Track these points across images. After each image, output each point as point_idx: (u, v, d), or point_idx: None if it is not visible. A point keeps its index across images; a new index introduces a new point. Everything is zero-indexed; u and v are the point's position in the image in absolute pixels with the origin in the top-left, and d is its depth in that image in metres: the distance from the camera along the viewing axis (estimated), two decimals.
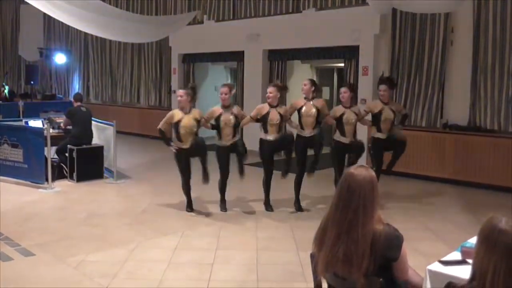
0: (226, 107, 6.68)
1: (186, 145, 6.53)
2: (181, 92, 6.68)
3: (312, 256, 2.74)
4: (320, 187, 8.03)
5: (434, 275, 2.72)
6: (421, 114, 9.40)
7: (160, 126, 6.67)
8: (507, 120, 8.39)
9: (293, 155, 6.94)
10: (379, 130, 7.11)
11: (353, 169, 2.56)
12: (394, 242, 2.51)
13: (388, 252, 2.49)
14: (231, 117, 6.65)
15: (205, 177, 6.67)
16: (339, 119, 6.90)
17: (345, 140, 6.91)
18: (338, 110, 7.02)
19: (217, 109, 6.70)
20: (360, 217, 2.45)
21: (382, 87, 7.13)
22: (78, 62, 17.34)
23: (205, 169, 6.65)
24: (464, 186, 8.47)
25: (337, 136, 6.97)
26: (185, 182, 6.76)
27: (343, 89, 7.02)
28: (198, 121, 6.62)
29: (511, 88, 8.32)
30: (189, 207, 6.88)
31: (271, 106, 6.75)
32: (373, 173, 2.56)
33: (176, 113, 6.61)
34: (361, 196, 2.46)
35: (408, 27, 9.48)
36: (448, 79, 9.15)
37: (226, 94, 6.62)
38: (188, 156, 6.61)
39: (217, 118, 6.66)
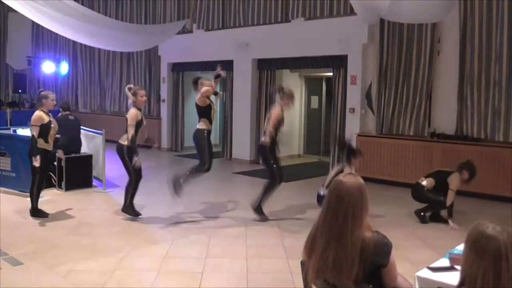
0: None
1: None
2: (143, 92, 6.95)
3: (302, 264, 2.76)
4: (308, 195, 8.05)
5: (423, 281, 2.75)
6: (409, 123, 9.49)
7: (133, 132, 6.57)
8: (494, 129, 8.50)
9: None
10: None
11: (342, 177, 2.59)
12: (383, 248, 2.54)
13: (377, 259, 2.52)
14: None
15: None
16: None
17: None
18: None
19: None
20: (350, 224, 2.48)
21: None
22: (67, 71, 17.27)
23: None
24: None
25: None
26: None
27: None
28: None
29: (497, 97, 8.44)
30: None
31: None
32: (362, 181, 2.59)
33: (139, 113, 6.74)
34: (350, 204, 2.49)
35: (396, 37, 9.60)
36: (435, 88, 9.26)
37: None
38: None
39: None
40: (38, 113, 6.75)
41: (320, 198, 6.81)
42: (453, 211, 6.70)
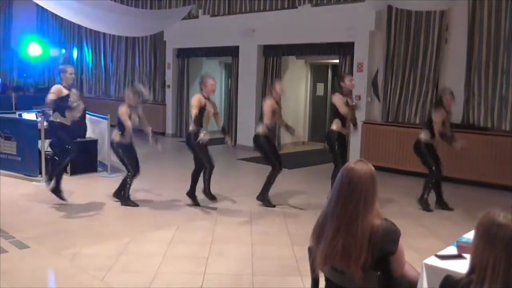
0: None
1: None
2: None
3: (309, 250, 2.75)
4: (313, 182, 8.05)
5: (430, 269, 2.74)
6: (415, 111, 9.45)
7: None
8: (500, 117, 8.45)
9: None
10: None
11: (353, 164, 2.57)
12: (391, 236, 2.53)
13: (386, 246, 2.51)
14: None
15: None
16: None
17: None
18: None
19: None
20: (361, 211, 2.47)
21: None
22: (72, 55, 17.24)
23: None
24: (457, 183, 8.51)
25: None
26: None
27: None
28: None
29: (505, 86, 8.37)
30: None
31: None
32: (373, 168, 2.58)
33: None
34: (362, 191, 2.48)
35: (403, 24, 9.51)
36: (442, 76, 9.19)
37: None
38: None
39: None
40: (57, 86, 6.70)
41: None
42: (453, 139, 6.86)
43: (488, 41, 8.50)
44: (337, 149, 6.91)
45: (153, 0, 14.07)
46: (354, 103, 7.12)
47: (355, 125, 7.20)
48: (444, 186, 7.77)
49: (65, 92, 6.64)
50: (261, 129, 6.81)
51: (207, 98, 6.61)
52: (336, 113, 6.95)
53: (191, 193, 6.88)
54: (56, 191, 6.74)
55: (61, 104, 6.62)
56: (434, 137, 6.80)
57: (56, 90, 6.59)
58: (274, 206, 6.87)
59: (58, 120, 6.68)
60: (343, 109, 6.81)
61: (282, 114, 7.02)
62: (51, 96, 6.53)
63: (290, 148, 12.25)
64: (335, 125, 6.91)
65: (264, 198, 6.93)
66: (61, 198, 6.75)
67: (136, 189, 7.71)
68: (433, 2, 7.82)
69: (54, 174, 6.77)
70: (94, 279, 4.40)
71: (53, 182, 6.73)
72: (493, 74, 8.50)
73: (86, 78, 16.92)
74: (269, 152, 6.89)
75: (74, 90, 6.80)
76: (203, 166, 6.71)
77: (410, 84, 9.50)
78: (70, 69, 6.77)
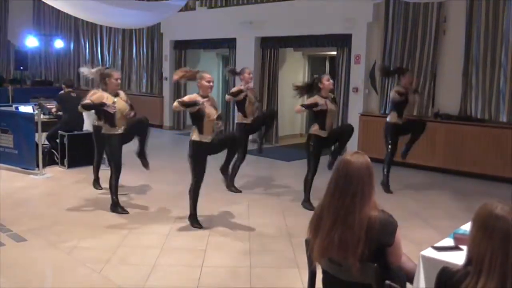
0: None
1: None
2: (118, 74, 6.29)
3: (307, 242, 2.76)
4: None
5: (427, 260, 2.75)
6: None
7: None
8: (498, 109, 8.44)
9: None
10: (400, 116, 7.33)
11: (349, 156, 2.57)
12: (388, 228, 2.54)
13: (383, 238, 2.52)
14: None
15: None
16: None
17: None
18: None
19: None
20: (358, 203, 2.47)
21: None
22: (69, 48, 17.18)
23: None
24: (454, 175, 8.54)
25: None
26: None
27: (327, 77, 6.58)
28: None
29: (503, 77, 8.36)
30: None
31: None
32: (369, 160, 2.58)
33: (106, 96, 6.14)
34: (359, 183, 2.48)
35: (401, 15, 9.48)
36: (440, 68, 9.18)
37: None
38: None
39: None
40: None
41: None
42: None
43: (486, 32, 8.48)
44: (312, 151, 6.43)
45: None
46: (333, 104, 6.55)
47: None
48: (444, 177, 7.83)
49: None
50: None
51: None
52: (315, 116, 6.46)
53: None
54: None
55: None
56: (401, 117, 7.29)
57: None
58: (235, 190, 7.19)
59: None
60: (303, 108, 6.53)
61: (255, 101, 7.41)
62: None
63: (287, 140, 12.25)
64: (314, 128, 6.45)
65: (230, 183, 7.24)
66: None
67: (135, 181, 7.72)
68: None
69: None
70: (92, 272, 4.40)
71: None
72: (491, 66, 8.49)
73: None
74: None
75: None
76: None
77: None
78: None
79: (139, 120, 6.32)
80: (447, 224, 5.65)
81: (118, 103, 6.14)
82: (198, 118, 5.52)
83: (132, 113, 6.34)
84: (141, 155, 6.34)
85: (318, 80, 6.48)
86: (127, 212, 6.16)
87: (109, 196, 6.34)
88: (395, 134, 7.36)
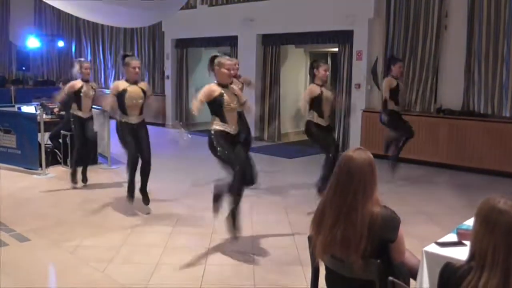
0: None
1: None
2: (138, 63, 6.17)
3: (309, 239, 2.75)
4: (313, 171, 8.02)
5: (430, 256, 2.73)
6: (415, 98, 9.41)
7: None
8: (501, 104, 8.42)
9: None
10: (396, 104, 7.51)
11: (351, 152, 2.56)
12: (391, 224, 2.52)
13: (385, 234, 2.51)
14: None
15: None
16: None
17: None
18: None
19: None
20: (360, 200, 2.46)
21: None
22: (71, 48, 17.19)
23: None
24: (457, 170, 8.51)
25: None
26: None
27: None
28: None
29: (505, 73, 8.33)
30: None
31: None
32: (371, 156, 2.56)
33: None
34: (361, 180, 2.47)
35: (403, 11, 9.45)
36: (442, 63, 9.15)
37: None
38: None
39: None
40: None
41: None
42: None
43: (488, 27, 8.45)
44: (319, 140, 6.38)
45: None
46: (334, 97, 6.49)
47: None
48: (447, 173, 7.79)
49: (78, 85, 7.30)
50: None
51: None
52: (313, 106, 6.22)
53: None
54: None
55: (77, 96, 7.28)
56: (398, 105, 7.52)
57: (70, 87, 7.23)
58: None
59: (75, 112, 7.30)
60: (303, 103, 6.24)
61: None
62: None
63: (290, 137, 12.23)
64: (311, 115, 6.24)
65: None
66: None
67: (137, 181, 7.71)
68: None
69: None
70: (96, 271, 4.40)
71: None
72: (493, 61, 8.45)
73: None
74: None
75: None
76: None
77: (410, 71, 9.45)
78: (85, 64, 7.26)
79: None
80: (450, 219, 5.62)
81: (131, 90, 6.05)
82: (216, 106, 4.90)
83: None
84: (143, 190, 6.23)
85: (316, 66, 6.21)
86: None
87: (113, 195, 6.34)
88: (396, 119, 7.61)
